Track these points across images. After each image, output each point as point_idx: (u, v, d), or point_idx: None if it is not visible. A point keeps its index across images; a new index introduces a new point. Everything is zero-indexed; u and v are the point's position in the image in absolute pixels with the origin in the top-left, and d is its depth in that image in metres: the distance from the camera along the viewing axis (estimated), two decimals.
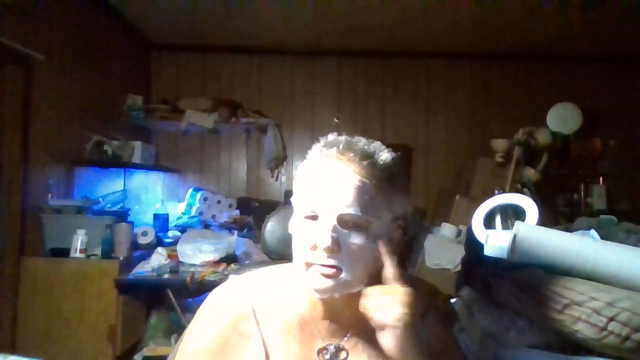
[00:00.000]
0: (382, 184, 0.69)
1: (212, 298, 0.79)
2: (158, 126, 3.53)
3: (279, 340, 0.73)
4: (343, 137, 0.73)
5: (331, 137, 0.74)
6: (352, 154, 0.69)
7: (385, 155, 0.71)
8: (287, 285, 0.78)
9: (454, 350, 0.77)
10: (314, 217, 0.68)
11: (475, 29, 3.23)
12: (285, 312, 0.76)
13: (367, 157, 0.69)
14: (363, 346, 0.74)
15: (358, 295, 0.68)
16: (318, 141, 0.74)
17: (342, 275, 0.67)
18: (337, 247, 0.66)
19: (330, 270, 0.66)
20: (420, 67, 3.78)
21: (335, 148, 0.70)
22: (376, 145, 0.73)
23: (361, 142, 0.73)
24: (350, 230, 0.67)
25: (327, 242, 0.65)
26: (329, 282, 0.67)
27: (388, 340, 0.63)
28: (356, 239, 0.67)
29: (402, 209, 0.73)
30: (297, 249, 0.70)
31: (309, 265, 0.68)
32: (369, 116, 3.78)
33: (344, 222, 0.67)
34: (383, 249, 0.68)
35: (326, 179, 0.68)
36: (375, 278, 0.69)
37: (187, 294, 2.35)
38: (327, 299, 0.69)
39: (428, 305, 0.79)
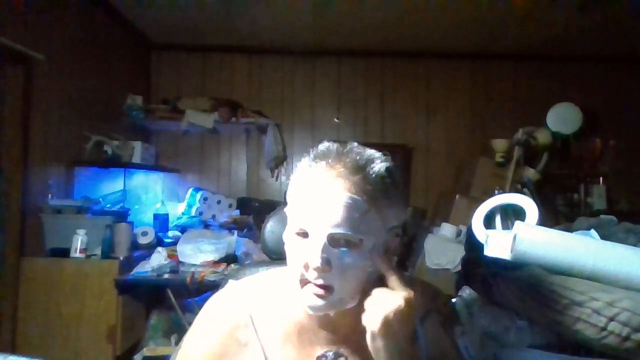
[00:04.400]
0: (375, 198, 0.66)
1: (210, 305, 0.79)
2: (158, 126, 3.52)
3: (278, 347, 0.73)
4: (334, 148, 0.70)
5: (322, 147, 0.71)
6: (342, 169, 0.66)
7: (378, 167, 0.68)
8: (286, 291, 0.77)
9: (451, 353, 0.76)
10: (304, 235, 0.67)
11: (475, 29, 3.22)
12: (283, 318, 0.75)
13: (358, 170, 0.66)
14: (362, 352, 0.73)
15: (354, 307, 0.68)
16: (315, 146, 0.72)
17: (334, 294, 0.66)
18: (327, 267, 0.64)
19: (322, 290, 0.66)
20: (420, 67, 3.77)
21: (324, 162, 0.67)
22: (369, 154, 0.70)
23: (352, 152, 0.69)
24: (341, 248, 0.65)
25: (317, 262, 0.64)
26: (321, 302, 0.66)
27: (368, 342, 0.63)
28: (348, 258, 0.65)
29: (398, 219, 0.71)
30: (291, 264, 0.69)
31: (303, 283, 0.67)
32: (369, 116, 3.78)
33: (335, 241, 0.65)
34: (381, 264, 0.67)
35: (316, 197, 0.65)
36: (369, 291, 0.67)
37: (187, 294, 2.35)
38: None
39: (429, 307, 0.78)
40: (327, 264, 0.64)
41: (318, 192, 0.65)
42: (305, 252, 0.66)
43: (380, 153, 0.72)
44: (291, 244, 0.69)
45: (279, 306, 0.76)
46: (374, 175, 0.67)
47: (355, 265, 0.66)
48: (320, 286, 0.65)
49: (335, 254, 0.65)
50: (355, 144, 0.72)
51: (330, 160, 0.67)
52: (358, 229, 0.65)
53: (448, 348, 0.76)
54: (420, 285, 0.84)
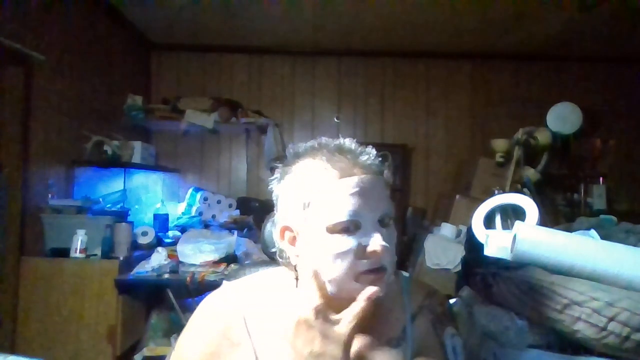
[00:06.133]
0: (383, 173, 0.73)
1: (203, 305, 0.79)
2: (158, 126, 3.53)
3: (272, 346, 0.73)
4: (330, 142, 0.73)
5: (318, 144, 0.74)
6: (358, 157, 0.70)
7: (373, 151, 0.74)
8: (281, 291, 0.77)
9: (435, 351, 0.75)
10: (349, 228, 0.67)
11: (475, 29, 3.23)
12: (278, 318, 0.75)
13: (365, 154, 0.72)
14: (359, 349, 0.73)
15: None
16: (300, 146, 0.75)
17: (387, 273, 0.69)
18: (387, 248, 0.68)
19: (379, 274, 0.68)
20: (420, 67, 3.78)
21: (341, 156, 0.70)
22: (355, 140, 0.76)
23: (348, 141, 0.74)
24: (386, 227, 0.70)
25: (383, 243, 0.67)
26: (381, 285, 0.67)
27: None
28: (392, 234, 0.71)
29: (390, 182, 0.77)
30: (334, 263, 0.68)
31: (356, 275, 0.67)
32: (369, 116, 3.78)
33: (383, 222, 0.70)
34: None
35: (353, 189, 0.67)
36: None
37: (187, 294, 2.35)
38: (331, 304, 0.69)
39: (422, 305, 0.79)
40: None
41: (354, 181, 0.68)
42: (355, 243, 0.67)
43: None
44: (327, 243, 0.68)
45: (273, 305, 0.76)
46: (373, 153, 0.73)
47: (395, 239, 0.71)
48: (376, 270, 0.68)
49: (385, 234, 0.69)
50: (322, 138, 0.76)
51: (341, 152, 0.71)
52: (391, 204, 0.71)
53: (434, 348, 0.75)
54: (415, 283, 0.84)
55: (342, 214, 0.67)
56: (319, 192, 0.68)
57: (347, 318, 0.63)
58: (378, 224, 0.69)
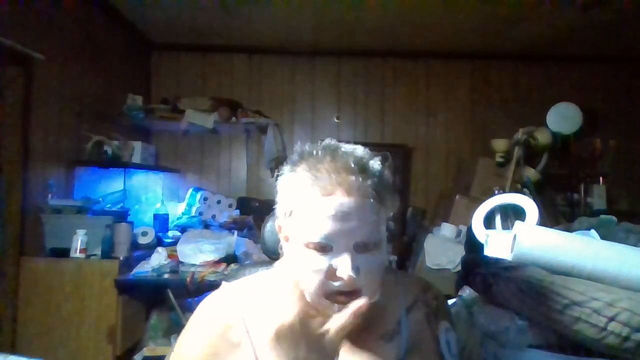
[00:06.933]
0: (380, 194, 0.68)
1: (203, 307, 0.80)
2: (158, 126, 3.52)
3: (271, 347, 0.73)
4: (325, 153, 0.70)
5: (309, 153, 0.71)
6: (346, 175, 0.66)
7: (374, 164, 0.70)
8: (280, 292, 0.78)
9: (429, 347, 0.76)
10: (323, 248, 0.66)
11: (475, 29, 3.22)
12: (277, 318, 0.75)
13: (360, 172, 0.67)
14: (354, 350, 0.73)
15: None
16: (299, 151, 0.72)
17: (362, 296, 0.66)
18: (358, 275, 0.65)
19: (351, 296, 0.66)
20: (420, 67, 3.77)
21: (326, 173, 0.67)
22: (360, 154, 0.71)
23: (346, 155, 0.69)
24: (366, 253, 0.67)
25: (350, 273, 0.64)
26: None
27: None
28: (373, 261, 0.67)
29: (393, 207, 0.73)
30: (308, 278, 0.68)
31: (327, 293, 0.67)
32: (369, 116, 3.78)
33: (360, 247, 0.66)
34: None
35: (331, 209, 0.65)
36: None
37: (187, 294, 2.35)
38: None
39: (417, 299, 0.79)
40: (358, 272, 0.65)
41: (332, 203, 0.65)
42: (326, 264, 0.66)
43: (364, 148, 0.73)
44: (304, 258, 0.68)
45: (272, 306, 0.76)
46: (374, 173, 0.69)
47: (379, 265, 0.68)
48: (349, 293, 0.66)
49: (363, 260, 0.66)
50: (333, 141, 0.72)
51: (331, 168, 0.67)
52: (378, 230, 0.67)
53: (428, 341, 0.75)
54: (409, 278, 0.85)
55: (316, 235, 0.66)
56: (300, 206, 0.68)
57: (334, 330, 0.62)
58: (353, 249, 0.66)
